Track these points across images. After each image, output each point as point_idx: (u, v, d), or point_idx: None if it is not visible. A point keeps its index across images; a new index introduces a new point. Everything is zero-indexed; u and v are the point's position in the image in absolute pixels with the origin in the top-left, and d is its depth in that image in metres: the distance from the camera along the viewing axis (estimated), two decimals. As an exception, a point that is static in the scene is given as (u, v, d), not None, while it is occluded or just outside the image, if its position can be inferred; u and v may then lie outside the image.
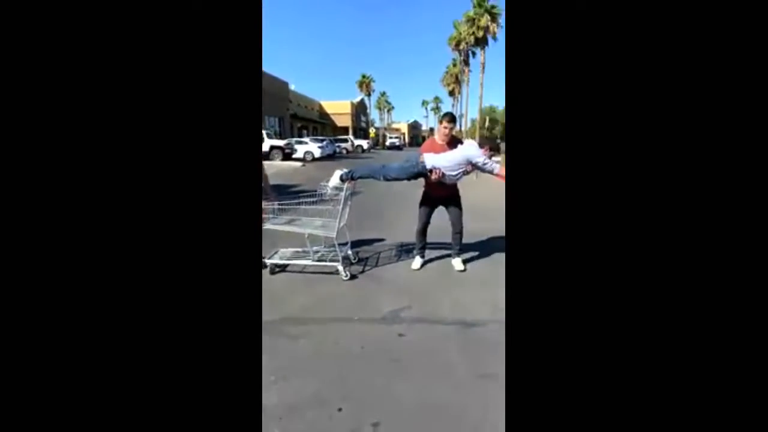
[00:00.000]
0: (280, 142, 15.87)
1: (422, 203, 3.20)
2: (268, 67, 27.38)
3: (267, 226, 2.99)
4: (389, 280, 2.98)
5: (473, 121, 34.28)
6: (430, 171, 2.84)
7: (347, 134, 32.70)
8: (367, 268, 3.23)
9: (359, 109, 44.21)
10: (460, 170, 2.83)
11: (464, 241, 3.28)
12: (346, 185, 2.97)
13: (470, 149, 2.81)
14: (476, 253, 3.56)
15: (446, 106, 53.65)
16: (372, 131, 41.52)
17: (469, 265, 3.25)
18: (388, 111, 61.84)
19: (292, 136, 23.22)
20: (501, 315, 2.37)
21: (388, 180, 2.98)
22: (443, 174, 2.82)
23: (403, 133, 54.35)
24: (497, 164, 2.83)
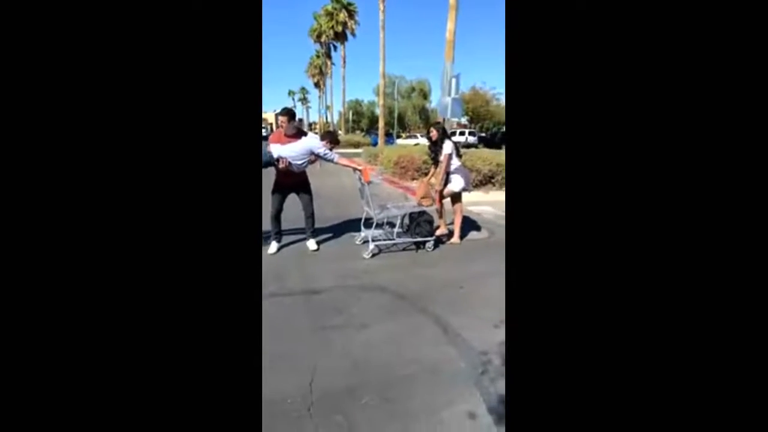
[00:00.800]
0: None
1: (274, 191, 3.41)
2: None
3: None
4: (244, 265, 3.11)
5: (341, 113, 35.24)
6: (278, 160, 3.09)
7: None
8: (221, 257, 3.27)
9: (217, 96, 40.00)
10: (305, 159, 3.16)
11: (319, 225, 3.63)
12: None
13: (312, 141, 3.16)
14: (330, 235, 3.97)
15: (313, 97, 53.44)
16: (234, 120, 38.20)
17: (322, 246, 3.62)
18: (252, 99, 57.64)
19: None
20: (343, 281, 2.82)
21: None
22: (290, 163, 3.10)
23: (271, 123, 51.87)
24: (336, 155, 3.25)
